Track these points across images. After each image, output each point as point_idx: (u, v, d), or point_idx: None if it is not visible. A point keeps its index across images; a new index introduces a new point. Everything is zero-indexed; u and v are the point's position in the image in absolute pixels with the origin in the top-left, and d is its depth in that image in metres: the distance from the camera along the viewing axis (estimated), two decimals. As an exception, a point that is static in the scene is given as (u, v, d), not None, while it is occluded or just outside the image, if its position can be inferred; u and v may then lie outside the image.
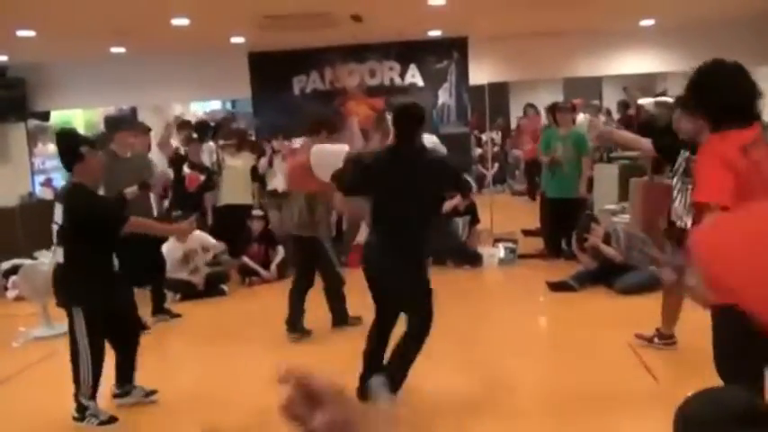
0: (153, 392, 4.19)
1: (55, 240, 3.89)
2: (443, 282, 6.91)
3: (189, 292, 6.56)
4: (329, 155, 4.61)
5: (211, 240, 6.89)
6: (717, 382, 3.70)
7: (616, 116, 12.14)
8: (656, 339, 4.52)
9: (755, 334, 1.07)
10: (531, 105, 12.14)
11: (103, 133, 6.47)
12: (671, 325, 4.47)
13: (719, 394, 1.18)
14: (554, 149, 7.38)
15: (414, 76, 8.74)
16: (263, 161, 7.65)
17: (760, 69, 9.69)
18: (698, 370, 4.05)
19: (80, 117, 11.67)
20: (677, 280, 3.69)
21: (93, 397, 3.86)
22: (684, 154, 4.10)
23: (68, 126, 8.34)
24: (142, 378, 4.24)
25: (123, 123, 5.96)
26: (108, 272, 3.91)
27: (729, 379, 2.74)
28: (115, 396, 4.12)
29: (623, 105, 12.35)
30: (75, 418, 3.86)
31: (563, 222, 7.28)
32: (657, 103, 8.13)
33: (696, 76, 2.82)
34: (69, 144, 3.93)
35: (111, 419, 3.88)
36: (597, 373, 4.22)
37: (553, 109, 7.83)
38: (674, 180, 4.19)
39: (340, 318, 5.36)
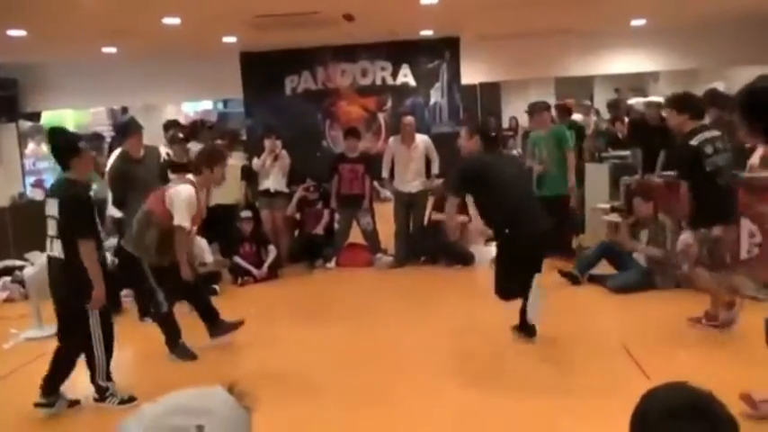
0: (76, 402, 4.07)
1: (52, 233, 3.90)
2: (436, 280, 6.93)
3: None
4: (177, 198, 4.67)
5: (204, 246, 6.84)
6: (709, 379, 3.72)
7: (606, 116, 12.19)
8: (703, 320, 4.71)
9: None
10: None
11: (113, 136, 6.53)
12: (717, 305, 4.65)
13: (665, 390, 1.23)
14: (539, 156, 7.29)
15: (406, 76, 8.76)
16: (258, 161, 7.64)
17: (748, 69, 9.80)
18: (691, 369, 4.09)
19: (71, 117, 11.64)
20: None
21: (109, 377, 4.06)
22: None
23: (60, 125, 8.33)
24: (123, 377, 4.27)
25: (134, 126, 5.93)
26: (102, 265, 4.00)
27: None
28: (38, 405, 3.98)
29: (613, 106, 12.42)
30: (95, 399, 4.07)
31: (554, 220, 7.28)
32: (648, 104, 8.18)
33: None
34: (67, 139, 4.01)
35: (131, 399, 4.03)
36: (590, 371, 4.24)
37: (529, 112, 7.68)
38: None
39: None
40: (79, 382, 4.15)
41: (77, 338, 4.00)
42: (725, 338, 4.60)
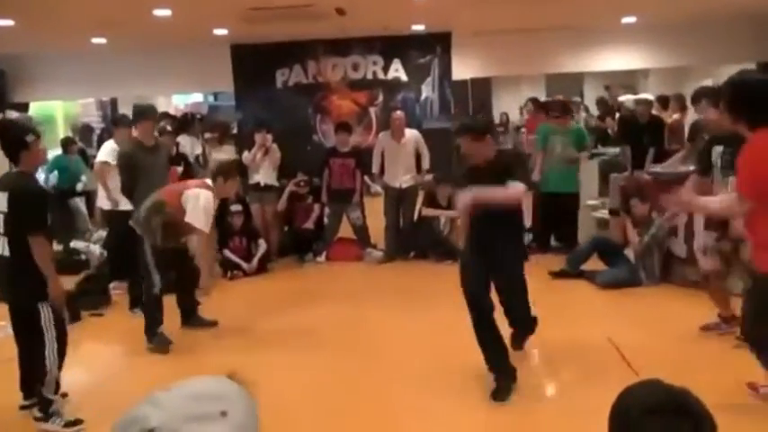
0: (64, 395, 3.91)
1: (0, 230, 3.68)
2: (426, 275, 6.95)
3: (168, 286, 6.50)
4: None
5: (193, 240, 6.82)
6: (694, 376, 3.77)
7: (596, 113, 12.25)
8: (722, 326, 4.65)
9: None
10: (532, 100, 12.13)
11: (127, 121, 6.44)
12: (726, 307, 4.60)
13: (642, 388, 1.24)
14: (551, 148, 7.29)
15: (397, 71, 8.74)
16: (248, 155, 7.61)
17: (737, 67, 9.84)
18: (678, 363, 4.13)
19: (60, 108, 11.56)
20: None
21: (57, 392, 3.74)
22: (718, 149, 4.27)
23: (9, 119, 8.26)
24: (108, 370, 4.23)
25: (146, 112, 5.90)
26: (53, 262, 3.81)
27: (757, 344, 3.26)
28: (23, 408, 3.89)
29: (602, 102, 12.48)
30: (37, 419, 3.69)
31: (558, 217, 7.31)
32: (638, 101, 8.22)
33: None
34: (15, 133, 3.82)
35: (77, 422, 3.71)
36: (577, 367, 4.27)
37: (546, 105, 7.74)
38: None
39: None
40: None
41: (34, 339, 3.75)
42: (710, 334, 4.64)
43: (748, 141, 3.11)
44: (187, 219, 4.74)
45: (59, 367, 3.74)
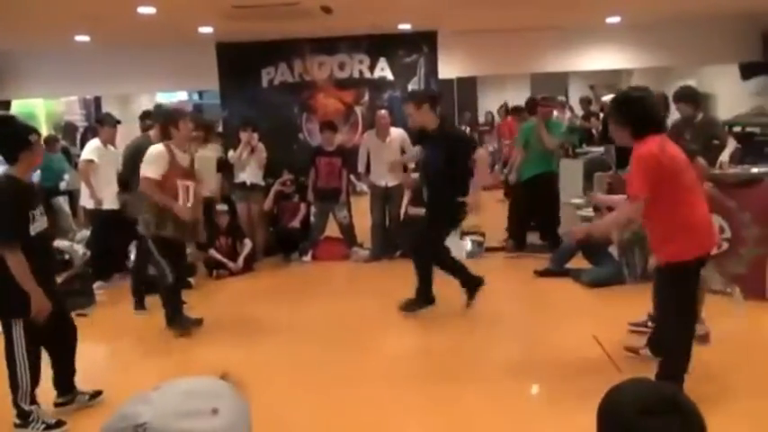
0: (98, 393, 3.95)
1: None
2: (411, 274, 6.96)
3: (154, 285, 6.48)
4: None
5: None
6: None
7: (579, 112, 12.33)
8: (649, 323, 4.70)
9: None
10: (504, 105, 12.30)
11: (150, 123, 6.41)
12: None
13: (632, 387, 1.26)
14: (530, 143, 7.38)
15: (383, 70, 8.75)
16: (234, 154, 7.58)
17: (718, 67, 9.96)
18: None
19: (41, 107, 11.44)
20: None
21: (34, 401, 3.63)
22: None
23: (8, 115, 8.15)
24: (95, 370, 4.20)
25: (180, 113, 5.86)
26: (42, 273, 3.53)
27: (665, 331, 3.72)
28: (57, 405, 3.86)
29: (586, 102, 12.57)
30: (17, 425, 3.58)
31: (535, 204, 7.35)
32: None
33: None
34: (17, 131, 3.63)
35: (59, 423, 3.64)
36: (561, 364, 4.30)
37: (532, 103, 7.76)
38: None
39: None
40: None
41: (52, 335, 3.71)
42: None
43: (636, 150, 3.48)
44: (141, 173, 4.92)
45: (32, 383, 3.60)
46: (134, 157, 5.56)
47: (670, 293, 3.60)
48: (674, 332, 3.60)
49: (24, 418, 3.59)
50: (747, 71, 9.09)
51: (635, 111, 3.55)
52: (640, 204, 3.44)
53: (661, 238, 3.56)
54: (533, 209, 7.44)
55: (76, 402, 3.91)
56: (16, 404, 3.60)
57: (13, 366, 3.56)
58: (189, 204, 4.99)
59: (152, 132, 5.78)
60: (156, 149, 4.96)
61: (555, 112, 10.37)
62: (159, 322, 5.17)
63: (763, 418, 3.45)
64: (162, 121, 5.20)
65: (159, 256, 4.99)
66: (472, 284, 5.43)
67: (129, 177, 5.74)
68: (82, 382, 4.00)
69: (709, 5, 7.64)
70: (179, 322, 5.08)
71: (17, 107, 9.95)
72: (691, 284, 3.55)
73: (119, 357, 4.98)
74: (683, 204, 3.47)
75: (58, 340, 3.81)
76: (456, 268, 5.45)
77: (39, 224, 3.55)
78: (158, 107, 6.30)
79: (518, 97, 12.11)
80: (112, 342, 5.28)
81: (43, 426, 3.60)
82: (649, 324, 4.69)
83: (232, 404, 0.95)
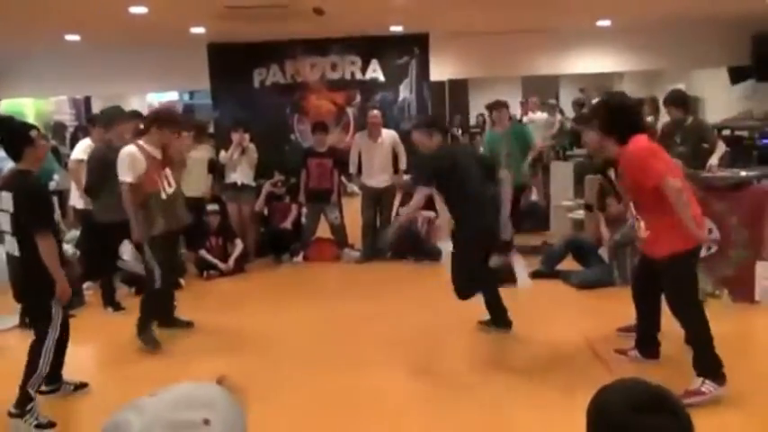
0: (83, 385, 4.15)
1: (8, 230, 3.68)
2: (403, 275, 6.96)
3: (144, 285, 6.44)
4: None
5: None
6: (669, 372, 3.83)
7: (571, 115, 12.37)
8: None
9: None
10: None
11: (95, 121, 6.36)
12: None
13: (622, 386, 1.27)
14: (498, 154, 7.39)
15: (375, 71, 8.75)
16: (225, 154, 7.56)
17: (708, 71, 10.02)
18: (652, 361, 4.20)
19: (30, 106, 11.37)
20: None
21: (39, 392, 3.75)
22: None
23: (8, 114, 8.10)
24: (85, 370, 4.19)
25: (120, 114, 5.84)
26: (60, 260, 3.80)
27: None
28: (43, 393, 3.92)
29: (578, 104, 12.61)
30: (11, 414, 3.64)
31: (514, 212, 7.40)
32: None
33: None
34: (18, 129, 3.80)
35: (50, 424, 3.68)
36: (552, 366, 4.32)
37: (490, 108, 7.73)
38: None
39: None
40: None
41: (37, 335, 3.81)
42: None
43: (626, 152, 3.55)
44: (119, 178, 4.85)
45: (47, 371, 3.74)
46: (100, 165, 5.52)
47: (680, 286, 3.67)
48: (695, 324, 3.66)
49: (23, 406, 3.64)
50: (736, 75, 9.17)
51: (628, 118, 3.60)
52: (676, 182, 3.45)
53: (663, 229, 3.59)
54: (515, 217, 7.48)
55: (62, 391, 4.06)
56: (23, 389, 3.64)
57: (39, 349, 3.69)
58: (171, 189, 4.98)
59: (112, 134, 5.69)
60: (128, 153, 4.84)
61: (535, 114, 10.45)
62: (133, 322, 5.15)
63: (752, 420, 3.48)
64: (147, 123, 5.18)
65: (155, 261, 4.88)
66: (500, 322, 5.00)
67: (95, 186, 5.64)
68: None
69: (698, 10, 7.70)
70: (149, 337, 4.90)
71: (6, 107, 9.89)
72: (695, 271, 3.67)
73: (106, 358, 4.95)
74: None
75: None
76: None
77: (54, 216, 3.93)
78: (108, 110, 6.23)
79: (509, 100, 12.12)
80: (100, 343, 5.24)
81: (35, 422, 3.63)
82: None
83: (226, 413, 0.95)
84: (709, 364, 3.62)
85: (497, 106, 7.54)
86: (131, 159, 4.83)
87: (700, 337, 3.67)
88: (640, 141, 3.58)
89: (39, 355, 3.69)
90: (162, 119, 5.09)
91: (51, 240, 3.65)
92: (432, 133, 4.83)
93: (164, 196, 4.91)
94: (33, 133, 3.75)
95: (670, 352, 4.37)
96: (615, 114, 3.67)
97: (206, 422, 0.92)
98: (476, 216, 4.67)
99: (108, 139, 5.71)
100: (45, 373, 3.73)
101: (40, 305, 3.75)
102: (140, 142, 4.95)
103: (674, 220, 3.51)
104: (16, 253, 3.68)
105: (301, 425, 3.70)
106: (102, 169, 5.49)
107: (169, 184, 4.98)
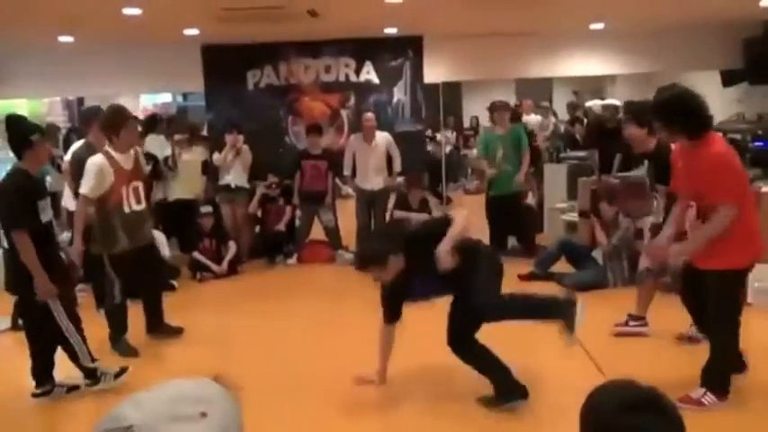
0: (75, 387, 4.17)
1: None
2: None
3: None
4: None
5: (162, 240, 6.74)
6: (663, 374, 3.84)
7: (564, 117, 12.42)
8: (630, 323, 4.86)
9: None
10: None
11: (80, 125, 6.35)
12: (644, 309, 4.85)
13: (613, 387, 1.28)
14: (494, 155, 7.42)
15: (369, 73, 8.76)
16: (219, 156, 7.55)
17: (700, 74, 10.10)
18: (644, 363, 4.21)
19: (24, 107, 11.33)
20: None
21: (93, 358, 4.10)
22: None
23: (17, 113, 8.07)
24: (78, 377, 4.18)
25: (95, 114, 5.78)
26: (52, 260, 3.95)
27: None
28: (35, 395, 4.03)
29: (571, 107, 12.66)
30: (89, 385, 4.06)
31: (508, 218, 7.42)
32: (605, 106, 8.36)
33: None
34: (21, 131, 3.93)
35: (123, 370, 4.16)
36: (545, 367, 4.33)
37: (491, 109, 7.78)
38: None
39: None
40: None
41: (40, 326, 3.97)
42: (676, 335, 4.74)
43: (711, 153, 3.35)
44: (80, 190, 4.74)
45: (84, 343, 4.05)
46: (81, 167, 5.49)
47: (726, 303, 3.52)
48: (726, 340, 3.58)
49: (92, 376, 4.07)
50: (728, 78, 9.22)
51: (693, 108, 3.44)
52: (735, 209, 3.29)
53: (723, 244, 3.37)
54: (507, 222, 7.49)
55: (55, 393, 4.09)
56: (81, 367, 4.06)
57: (64, 339, 3.97)
58: (141, 206, 4.81)
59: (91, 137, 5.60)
60: (95, 163, 4.66)
61: (529, 116, 10.46)
62: (140, 327, 5.13)
63: (746, 420, 3.50)
64: (103, 126, 4.91)
65: (114, 275, 4.79)
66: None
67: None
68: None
69: (691, 13, 7.75)
70: (123, 347, 4.87)
71: (-1, 108, 9.85)
72: (744, 289, 3.59)
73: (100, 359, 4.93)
74: (748, 209, 3.39)
75: (43, 333, 4.00)
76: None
77: (45, 215, 3.91)
78: (91, 109, 6.16)
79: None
80: (93, 344, 5.22)
81: (112, 377, 4.10)
82: (630, 324, 4.83)
83: (222, 408, 0.96)
84: (719, 381, 3.58)
85: (499, 107, 7.58)
86: (97, 172, 4.63)
87: (723, 354, 3.60)
88: (721, 144, 3.43)
89: (66, 338, 3.95)
90: (109, 121, 4.85)
91: (25, 238, 3.76)
92: None
93: (127, 210, 4.72)
94: (35, 137, 3.89)
95: (670, 353, 4.40)
96: (686, 104, 3.49)
97: (203, 415, 0.93)
98: None
99: (89, 142, 5.65)
100: (80, 341, 4.00)
101: (29, 297, 3.87)
102: (110, 151, 4.75)
103: (734, 234, 3.33)
104: (6, 246, 3.88)
105: (295, 426, 3.69)
106: (82, 171, 5.47)
107: (137, 201, 4.79)
